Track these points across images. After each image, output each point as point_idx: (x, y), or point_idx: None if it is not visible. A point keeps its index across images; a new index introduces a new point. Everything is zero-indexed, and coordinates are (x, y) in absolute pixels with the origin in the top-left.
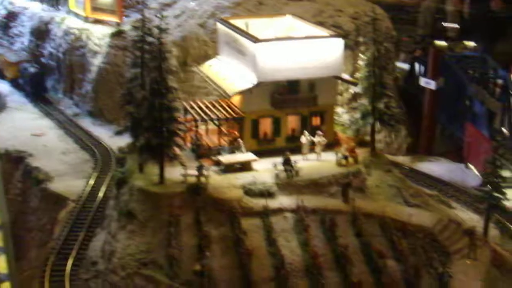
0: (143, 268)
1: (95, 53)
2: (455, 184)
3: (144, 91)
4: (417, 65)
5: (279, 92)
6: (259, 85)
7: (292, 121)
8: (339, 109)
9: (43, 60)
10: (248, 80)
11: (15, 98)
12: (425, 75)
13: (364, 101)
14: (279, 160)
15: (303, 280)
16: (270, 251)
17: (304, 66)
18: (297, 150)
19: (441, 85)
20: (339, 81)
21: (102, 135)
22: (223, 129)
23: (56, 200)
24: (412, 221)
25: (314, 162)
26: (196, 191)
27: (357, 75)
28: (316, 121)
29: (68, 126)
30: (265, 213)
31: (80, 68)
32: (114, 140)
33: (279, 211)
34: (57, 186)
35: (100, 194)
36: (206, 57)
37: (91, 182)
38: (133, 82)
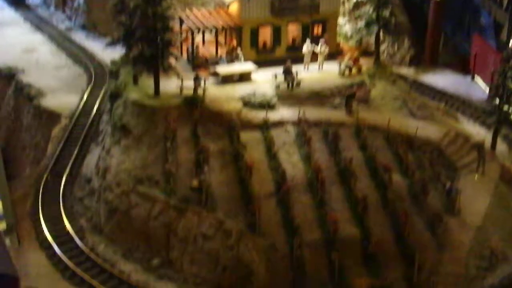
0: (138, 185)
1: None
2: (461, 97)
3: None
4: None
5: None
6: None
7: (293, 30)
8: (340, 19)
9: None
10: None
11: (5, 13)
12: None
13: (368, 8)
14: (279, 70)
15: (305, 195)
16: (271, 166)
17: None
18: (298, 60)
19: None
20: None
21: (96, 49)
22: (221, 39)
23: (49, 116)
24: (419, 134)
25: (316, 73)
26: (193, 104)
27: None
28: (318, 30)
29: (61, 41)
30: (265, 126)
31: None
32: (109, 53)
33: (280, 123)
34: (50, 102)
35: (94, 110)
36: None
37: (85, 97)
38: None
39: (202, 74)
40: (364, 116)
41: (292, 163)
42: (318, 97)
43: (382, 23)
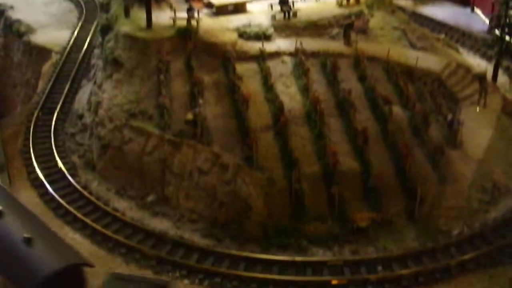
0: (131, 119)
1: None
2: (461, 28)
3: None
4: None
5: None
6: None
7: None
8: None
9: None
10: None
11: None
12: None
13: None
14: (275, 0)
15: (303, 128)
16: (268, 97)
17: None
18: None
19: None
20: None
21: None
22: None
23: (40, 52)
24: (419, 65)
25: (313, 3)
26: (186, 35)
27: None
28: None
29: None
30: (261, 57)
31: None
32: None
33: (277, 54)
34: (40, 38)
35: (86, 45)
36: None
37: (76, 32)
38: None
39: (196, 5)
40: (362, 46)
41: (289, 95)
42: (316, 27)
43: None
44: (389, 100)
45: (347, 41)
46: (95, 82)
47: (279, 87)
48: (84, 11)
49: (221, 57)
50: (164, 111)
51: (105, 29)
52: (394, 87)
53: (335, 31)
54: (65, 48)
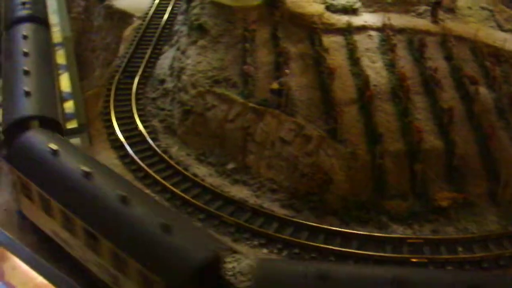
0: (215, 86)
1: None
2: None
3: None
4: None
5: None
6: None
7: None
8: None
9: None
10: None
11: None
12: None
13: None
14: None
15: (388, 103)
16: (353, 71)
17: None
18: None
19: None
20: None
21: None
22: None
23: (121, 17)
24: (506, 47)
25: None
26: (273, 4)
27: None
28: None
29: None
30: (348, 30)
31: None
32: None
33: (363, 29)
34: (122, 2)
35: (168, 11)
36: None
37: None
38: None
39: None
40: (450, 25)
41: (375, 69)
42: (403, 3)
43: None
44: (475, 81)
45: (434, 19)
46: (178, 48)
47: (365, 62)
48: None
49: (308, 28)
50: (248, 79)
51: None
52: (481, 68)
53: (422, 8)
54: (147, 13)
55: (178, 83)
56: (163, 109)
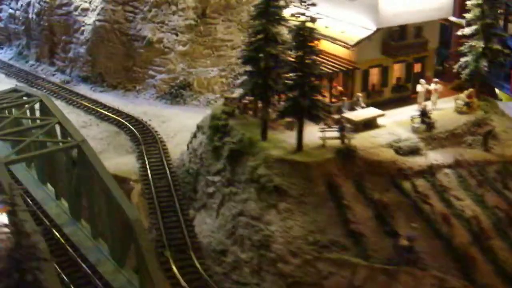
0: (324, 252)
1: (84, 10)
2: None
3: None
4: None
5: (392, 38)
6: (377, 31)
7: (397, 70)
8: None
9: None
10: (361, 27)
11: None
12: None
13: (476, 42)
14: (414, 112)
15: (496, 240)
16: (454, 213)
17: (420, 8)
18: (404, 100)
19: None
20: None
21: (111, 101)
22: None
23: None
24: None
25: (435, 112)
26: (348, 155)
27: (467, 15)
28: (417, 68)
29: (68, 96)
30: (428, 172)
31: (64, 29)
32: (132, 107)
33: (438, 167)
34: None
35: (168, 170)
36: (228, 6)
37: (146, 157)
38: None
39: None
40: (501, 152)
41: (469, 207)
42: (453, 136)
43: (492, 56)
44: None
45: (486, 148)
46: (240, 214)
47: (454, 201)
48: (136, 132)
49: (388, 175)
50: (359, 238)
51: (235, 154)
52: None
53: (470, 138)
54: (145, 175)
55: (269, 254)
56: (245, 284)
